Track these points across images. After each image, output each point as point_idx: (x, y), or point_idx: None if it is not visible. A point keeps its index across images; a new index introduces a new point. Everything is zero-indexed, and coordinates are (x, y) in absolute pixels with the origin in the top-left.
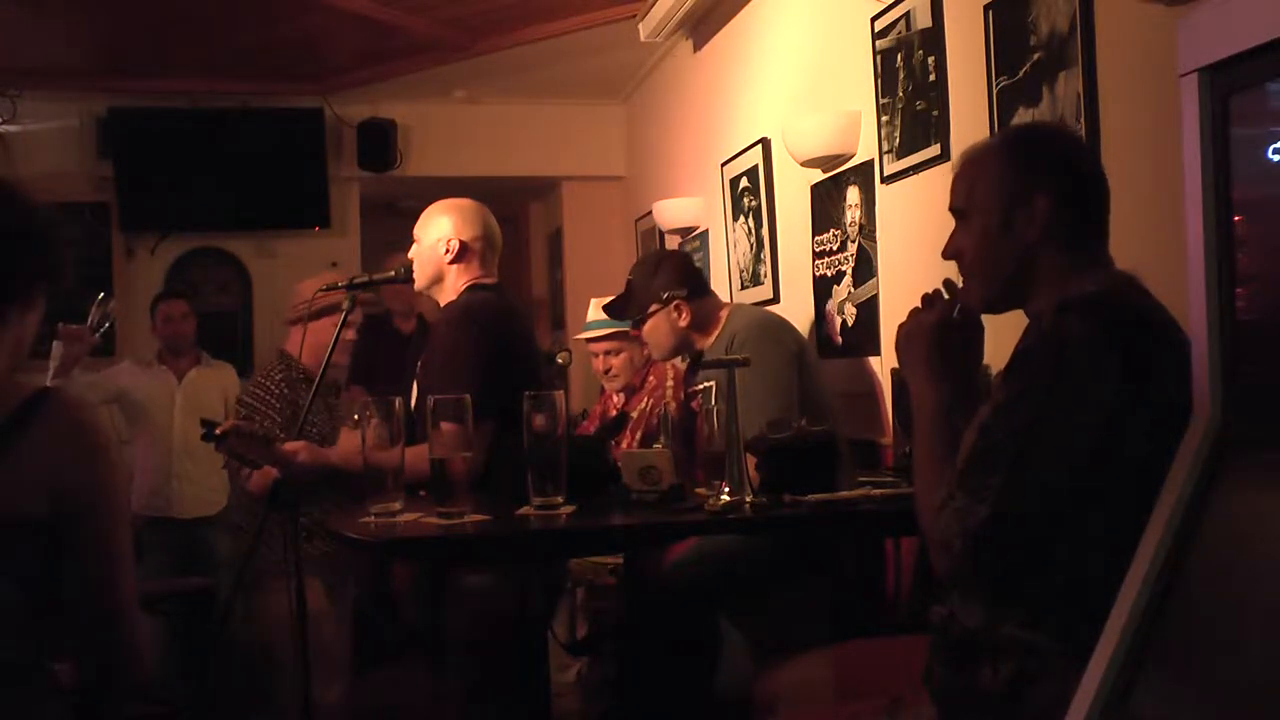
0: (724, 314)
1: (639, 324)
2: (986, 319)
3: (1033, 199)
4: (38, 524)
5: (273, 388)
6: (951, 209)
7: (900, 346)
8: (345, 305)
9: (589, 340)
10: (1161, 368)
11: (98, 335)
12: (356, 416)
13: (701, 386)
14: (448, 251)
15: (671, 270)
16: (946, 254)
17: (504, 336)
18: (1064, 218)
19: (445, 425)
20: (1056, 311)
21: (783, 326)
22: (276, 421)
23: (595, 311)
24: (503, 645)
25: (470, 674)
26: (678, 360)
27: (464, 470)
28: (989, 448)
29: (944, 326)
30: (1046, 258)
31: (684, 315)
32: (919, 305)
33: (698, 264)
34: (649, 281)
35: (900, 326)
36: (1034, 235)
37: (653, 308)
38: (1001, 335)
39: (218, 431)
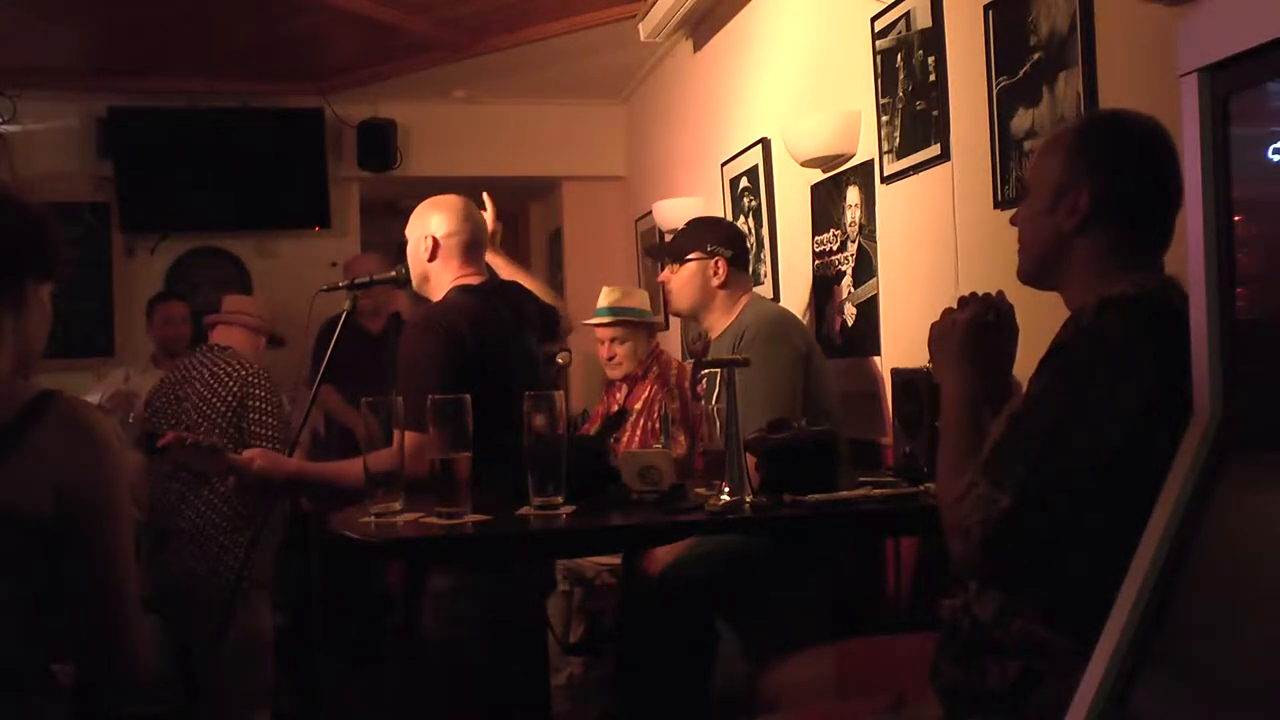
0: (744, 301)
1: (676, 262)
2: (1024, 325)
3: (1079, 191)
4: (41, 525)
5: (277, 394)
6: (1023, 184)
7: (933, 343)
8: (346, 306)
9: (595, 326)
10: None
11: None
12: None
13: (707, 372)
14: (425, 250)
15: (723, 230)
16: (1012, 220)
17: (462, 346)
18: (1105, 215)
19: (401, 432)
20: (1096, 309)
21: (793, 325)
22: (285, 427)
23: (604, 298)
24: (498, 646)
25: (463, 674)
26: (685, 360)
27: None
28: (1016, 438)
29: (976, 324)
30: (1084, 250)
31: (720, 274)
32: (951, 306)
33: None
34: (702, 231)
35: (933, 325)
36: (1071, 225)
37: (695, 254)
38: (1036, 340)
39: (159, 444)
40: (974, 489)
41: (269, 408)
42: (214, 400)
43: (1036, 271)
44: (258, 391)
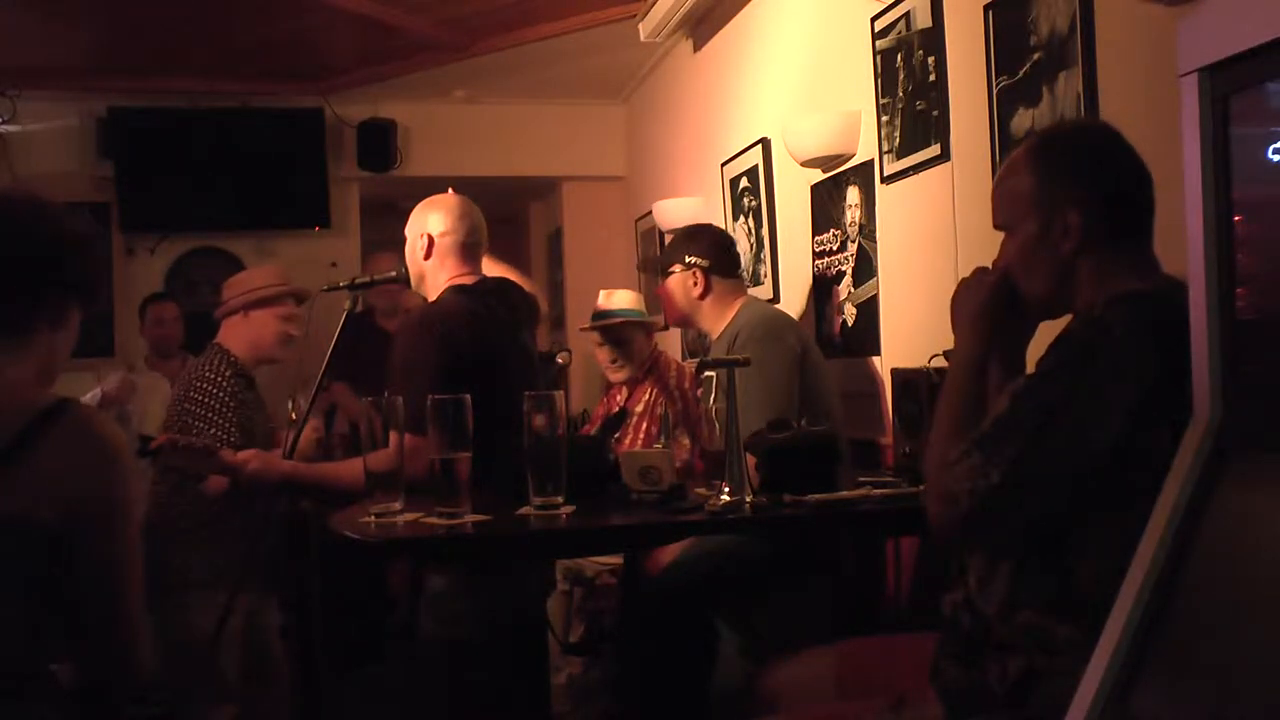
0: (737, 305)
1: (663, 275)
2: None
3: (1066, 212)
4: (49, 531)
5: (221, 394)
6: (995, 225)
7: (956, 298)
8: (347, 305)
9: (594, 330)
10: None
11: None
12: (294, 416)
13: (704, 376)
14: (421, 249)
15: (703, 241)
16: (996, 265)
17: (457, 347)
18: (1100, 224)
19: (401, 433)
20: (1104, 304)
21: (787, 325)
22: (230, 430)
23: (599, 303)
24: (498, 646)
25: (463, 674)
26: (687, 361)
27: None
28: (1015, 415)
29: (1002, 288)
30: (1088, 263)
31: (698, 285)
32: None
33: None
34: (682, 244)
35: (961, 281)
36: (1070, 246)
37: (674, 267)
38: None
39: (152, 446)
40: (968, 457)
41: (203, 411)
42: (171, 404)
43: (1046, 304)
44: (194, 394)
